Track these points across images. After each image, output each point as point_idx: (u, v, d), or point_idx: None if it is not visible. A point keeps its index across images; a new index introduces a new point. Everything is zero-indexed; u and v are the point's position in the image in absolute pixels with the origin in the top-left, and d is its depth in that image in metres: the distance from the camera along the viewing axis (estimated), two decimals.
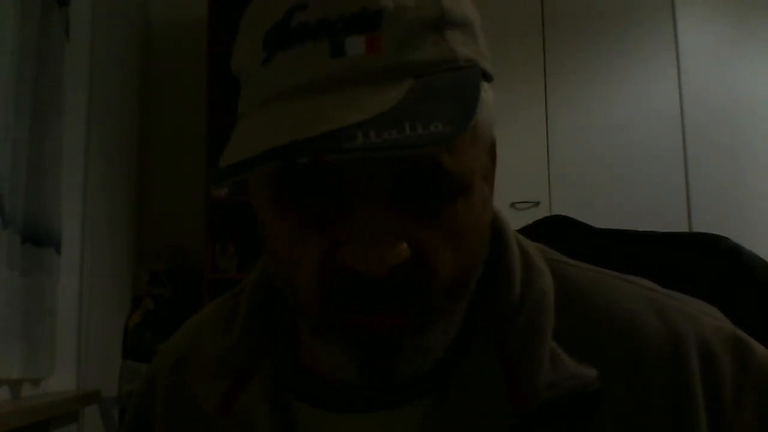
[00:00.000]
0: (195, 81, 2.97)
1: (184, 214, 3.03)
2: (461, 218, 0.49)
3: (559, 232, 0.74)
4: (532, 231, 0.71)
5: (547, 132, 3.00)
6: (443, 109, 0.44)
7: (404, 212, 0.47)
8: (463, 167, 0.48)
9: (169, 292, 2.91)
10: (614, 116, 2.99)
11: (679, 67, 2.99)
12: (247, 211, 2.83)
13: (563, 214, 0.78)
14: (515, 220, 0.61)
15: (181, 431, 0.61)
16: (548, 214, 0.77)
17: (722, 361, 0.52)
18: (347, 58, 0.46)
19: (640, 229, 0.75)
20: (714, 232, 0.73)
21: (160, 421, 0.63)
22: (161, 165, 3.16)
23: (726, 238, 0.72)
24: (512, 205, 2.90)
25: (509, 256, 0.56)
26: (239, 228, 3.01)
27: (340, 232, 0.47)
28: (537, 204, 2.94)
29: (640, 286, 0.57)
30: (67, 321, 2.29)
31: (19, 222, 1.89)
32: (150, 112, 3.18)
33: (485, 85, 0.51)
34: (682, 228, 2.86)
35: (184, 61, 3.17)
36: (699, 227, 2.86)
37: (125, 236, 2.94)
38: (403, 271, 0.47)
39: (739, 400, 0.51)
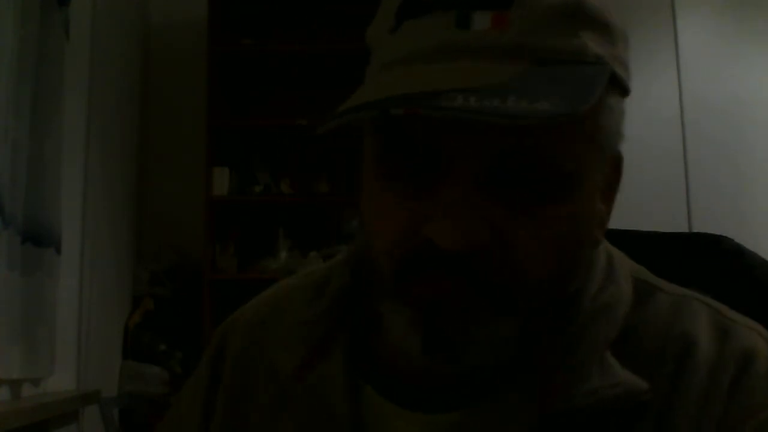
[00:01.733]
0: (195, 81, 2.97)
1: (184, 214, 3.02)
2: (560, 219, 0.48)
3: None
4: None
5: None
6: (554, 92, 0.43)
7: (497, 198, 0.47)
8: (568, 164, 0.47)
9: (169, 292, 2.91)
10: None
11: (679, 67, 2.99)
12: (247, 210, 2.85)
13: None
14: None
15: (255, 391, 0.62)
16: None
17: (752, 393, 0.50)
18: (471, 31, 0.46)
19: (640, 229, 0.75)
20: (714, 232, 0.73)
21: (230, 369, 0.64)
22: (161, 165, 3.16)
23: (727, 238, 0.72)
24: None
25: (593, 276, 0.55)
26: (239, 228, 3.00)
27: (428, 207, 0.47)
28: None
29: (714, 310, 0.55)
30: (67, 321, 2.29)
31: (19, 222, 1.89)
32: (150, 112, 3.18)
33: (616, 95, 0.51)
34: (682, 228, 2.86)
35: (184, 61, 3.17)
36: (699, 227, 2.86)
37: (125, 236, 2.94)
38: (484, 253, 0.46)
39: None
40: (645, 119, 2.97)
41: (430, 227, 0.46)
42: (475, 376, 0.53)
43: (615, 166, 0.55)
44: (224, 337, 0.67)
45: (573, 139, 0.47)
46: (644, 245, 0.72)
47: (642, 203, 2.89)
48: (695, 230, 2.85)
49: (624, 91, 0.53)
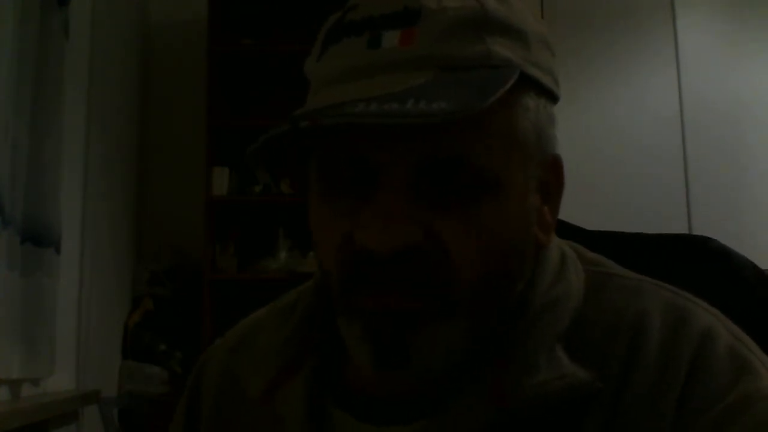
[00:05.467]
0: (195, 81, 2.97)
1: (184, 214, 3.02)
2: (487, 217, 0.49)
3: None
4: None
5: None
6: (455, 94, 0.45)
7: (426, 201, 0.48)
8: (491, 166, 0.49)
9: (169, 292, 2.91)
10: (614, 116, 2.99)
11: (679, 67, 2.99)
12: (247, 210, 2.85)
13: (563, 213, 0.78)
14: None
15: (227, 413, 0.63)
16: None
17: (711, 379, 0.49)
18: (381, 49, 0.50)
19: (640, 229, 0.75)
20: (714, 232, 0.73)
21: (209, 402, 0.65)
22: (161, 165, 3.16)
23: (714, 240, 0.72)
24: None
25: (542, 275, 0.55)
26: (239, 228, 3.00)
27: (360, 216, 0.49)
28: None
29: (670, 293, 0.55)
30: (67, 321, 2.29)
31: (19, 222, 1.89)
32: (150, 112, 3.18)
33: (533, 96, 0.52)
34: (682, 228, 2.86)
35: (184, 61, 3.17)
36: (699, 227, 2.86)
37: (125, 236, 2.94)
38: (417, 255, 0.48)
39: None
40: (645, 119, 2.97)
41: (361, 233, 0.48)
42: (430, 383, 0.53)
43: (553, 168, 0.55)
44: (199, 373, 0.68)
45: (490, 139, 0.49)
46: (634, 247, 0.72)
47: (642, 203, 2.90)
48: (695, 230, 2.85)
49: (549, 95, 0.54)
